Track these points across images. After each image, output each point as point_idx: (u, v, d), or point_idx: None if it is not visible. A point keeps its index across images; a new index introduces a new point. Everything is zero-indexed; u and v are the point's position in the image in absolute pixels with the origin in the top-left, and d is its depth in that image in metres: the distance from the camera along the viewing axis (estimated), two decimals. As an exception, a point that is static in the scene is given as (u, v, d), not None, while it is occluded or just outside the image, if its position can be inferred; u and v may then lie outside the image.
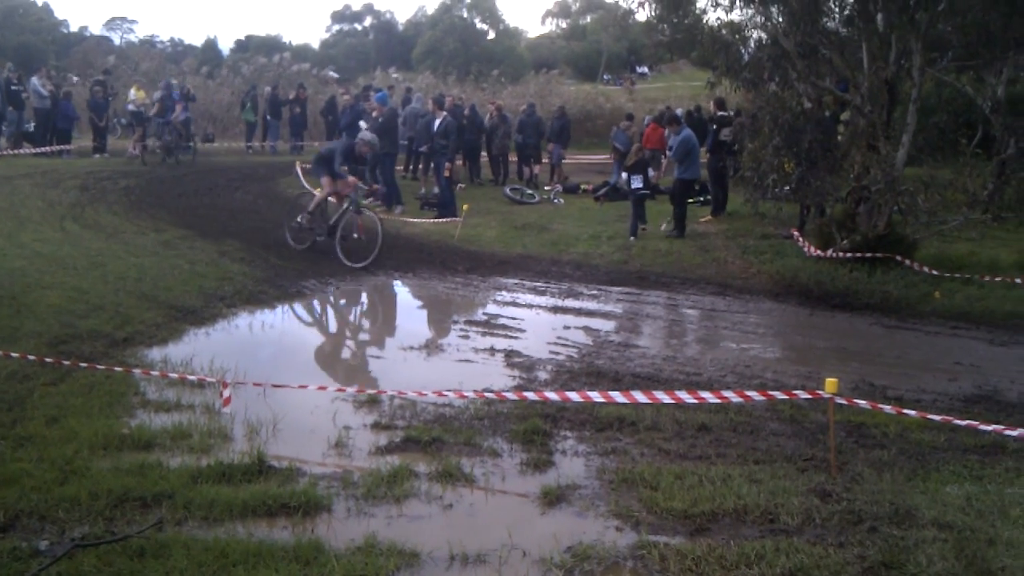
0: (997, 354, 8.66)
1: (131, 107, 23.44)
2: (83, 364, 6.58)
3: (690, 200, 16.25)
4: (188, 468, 5.13)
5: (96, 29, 63.18)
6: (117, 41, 59.52)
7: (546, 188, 20.30)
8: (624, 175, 14.45)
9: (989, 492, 5.04)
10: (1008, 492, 5.05)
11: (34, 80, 22.10)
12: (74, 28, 59.26)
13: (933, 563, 4.10)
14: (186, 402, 6.38)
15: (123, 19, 68.14)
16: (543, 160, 22.06)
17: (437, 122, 16.23)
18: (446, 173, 15.99)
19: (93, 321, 8.17)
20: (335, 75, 21.27)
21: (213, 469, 5.12)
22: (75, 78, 29.61)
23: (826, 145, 12.12)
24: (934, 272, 11.04)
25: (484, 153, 21.65)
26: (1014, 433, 5.26)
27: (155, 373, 6.66)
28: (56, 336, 7.62)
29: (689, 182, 14.93)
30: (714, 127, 16.40)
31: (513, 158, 21.95)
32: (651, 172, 14.93)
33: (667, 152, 19.84)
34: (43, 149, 21.30)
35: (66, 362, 6.59)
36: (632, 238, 13.91)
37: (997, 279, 10.89)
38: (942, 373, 7.88)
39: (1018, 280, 10.75)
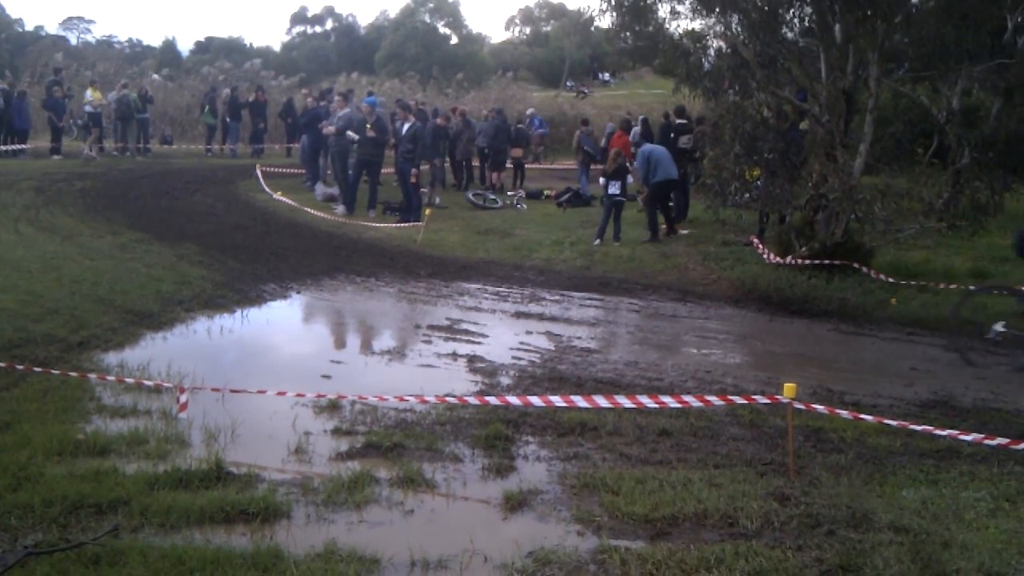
0: (952, 359, 8.81)
1: (88, 108, 23.11)
2: (37, 369, 6.47)
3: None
4: (145, 474, 5.05)
5: (52, 28, 62.08)
6: (74, 41, 58.56)
7: (509, 193, 20.32)
8: (601, 180, 14.46)
9: (944, 496, 5.12)
10: (963, 496, 5.13)
11: (-16, 80, 21.74)
12: (29, 27, 58.24)
13: (889, 566, 4.16)
14: (143, 407, 6.29)
15: (80, 19, 67.13)
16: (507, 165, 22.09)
17: (405, 127, 16.17)
18: (412, 179, 15.94)
19: (48, 325, 8.03)
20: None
21: (170, 475, 5.04)
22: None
23: (786, 154, 12.27)
24: (890, 279, 11.21)
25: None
26: (968, 438, 5.36)
27: (111, 378, 6.56)
28: (9, 340, 7.48)
29: (660, 185, 14.75)
30: (672, 135, 16.50)
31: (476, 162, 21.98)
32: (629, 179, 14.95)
33: (633, 161, 19.98)
34: (-3, 149, 20.95)
35: (20, 367, 6.47)
36: (597, 242, 13.95)
37: (952, 286, 11.07)
38: (898, 378, 7.99)
39: (972, 287, 10.94)
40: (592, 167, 20.06)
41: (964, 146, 11.70)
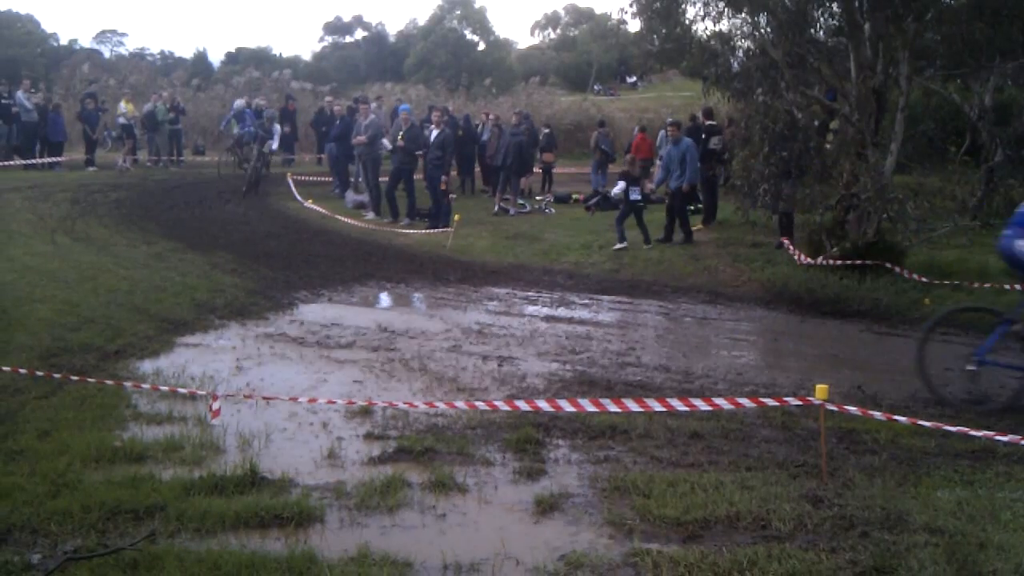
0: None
1: (121, 120, 23.45)
2: (74, 377, 6.56)
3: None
4: (180, 480, 5.12)
5: (86, 42, 62.98)
6: (107, 54, 59.39)
7: (537, 198, 20.35)
8: (622, 184, 14.32)
9: (980, 496, 5.06)
10: (999, 496, 5.07)
11: (19, 94, 22.07)
12: (64, 41, 59.17)
13: (925, 568, 4.12)
14: (178, 414, 6.37)
15: (113, 32, 67.82)
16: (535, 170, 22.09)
17: (434, 134, 16.22)
18: (442, 186, 16.02)
19: (84, 334, 8.16)
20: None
21: (206, 481, 5.11)
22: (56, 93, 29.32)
23: (811, 154, 12.17)
24: (923, 279, 11.08)
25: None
26: (1004, 438, 5.29)
27: (146, 386, 6.65)
28: (47, 349, 7.61)
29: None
30: (703, 136, 16.44)
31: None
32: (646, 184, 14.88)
33: (658, 160, 19.94)
34: (33, 161, 21.28)
35: (57, 375, 6.57)
36: (619, 246, 13.84)
37: (986, 285, 10.92)
38: (933, 379, 7.88)
39: (1007, 286, 10.79)
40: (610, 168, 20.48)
41: (997, 143, 11.60)
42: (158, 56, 62.15)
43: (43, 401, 6.44)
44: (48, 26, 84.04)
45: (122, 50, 62.96)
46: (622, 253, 13.63)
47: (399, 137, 16.19)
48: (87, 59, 44.13)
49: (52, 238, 13.12)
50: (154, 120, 23.34)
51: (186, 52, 72.97)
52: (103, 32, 66.48)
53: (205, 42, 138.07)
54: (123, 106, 23.73)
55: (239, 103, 22.65)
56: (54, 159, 21.93)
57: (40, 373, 6.53)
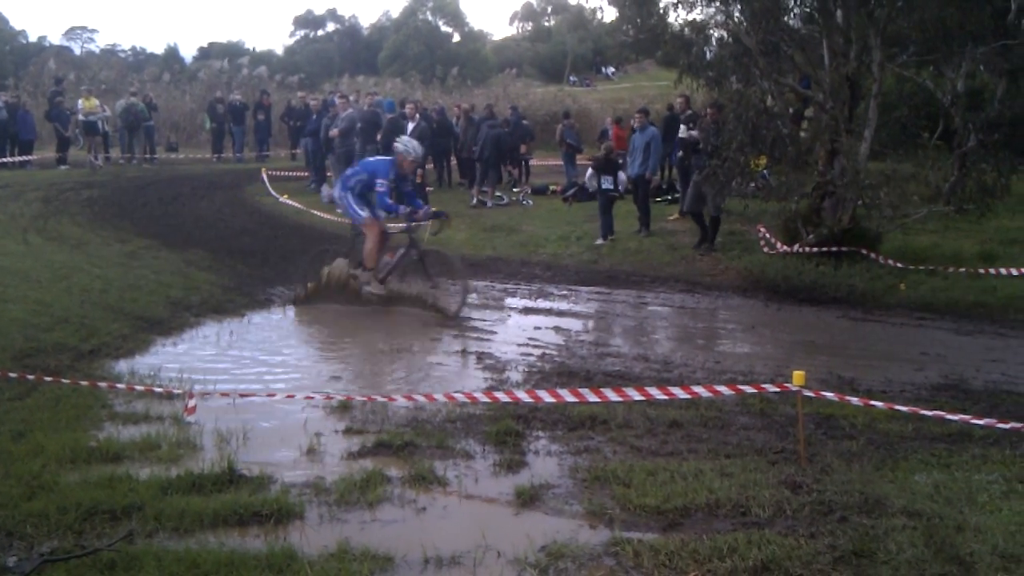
0: (962, 343, 8.78)
1: (80, 117, 22.90)
2: (48, 378, 6.49)
3: (657, 199, 16.31)
4: (158, 479, 5.07)
5: (56, 39, 62.17)
6: (77, 51, 58.67)
7: (515, 190, 20.32)
8: (590, 173, 14.27)
9: (957, 479, 5.10)
10: (975, 479, 5.12)
11: (-14, 92, 21.75)
12: (33, 39, 58.37)
13: (903, 550, 4.15)
14: (154, 413, 6.30)
15: (83, 28, 66.94)
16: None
17: (410, 127, 16.10)
18: (418, 179, 15.92)
19: (58, 334, 8.06)
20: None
21: (183, 480, 5.06)
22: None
23: (786, 141, 12.21)
24: (899, 264, 11.17)
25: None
26: (980, 422, 5.34)
27: (120, 386, 6.58)
28: (21, 350, 7.51)
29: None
30: (680, 125, 16.46)
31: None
32: (621, 175, 14.84)
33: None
34: (4, 160, 21.02)
35: (31, 376, 6.50)
36: (601, 240, 13.82)
37: (961, 270, 11.03)
38: (908, 364, 7.97)
39: (981, 270, 10.90)
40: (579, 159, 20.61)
41: (970, 129, 11.66)
42: (129, 52, 61.49)
43: (17, 403, 6.35)
44: (17, 23, 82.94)
45: (92, 47, 62.24)
46: (600, 244, 13.63)
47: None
48: (57, 56, 43.49)
49: (24, 237, 12.96)
50: (134, 118, 22.97)
51: (157, 48, 72.22)
52: (73, 29, 65.57)
53: (176, 37, 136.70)
54: (81, 103, 22.88)
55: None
56: (25, 158, 21.64)
57: (13, 374, 6.45)
